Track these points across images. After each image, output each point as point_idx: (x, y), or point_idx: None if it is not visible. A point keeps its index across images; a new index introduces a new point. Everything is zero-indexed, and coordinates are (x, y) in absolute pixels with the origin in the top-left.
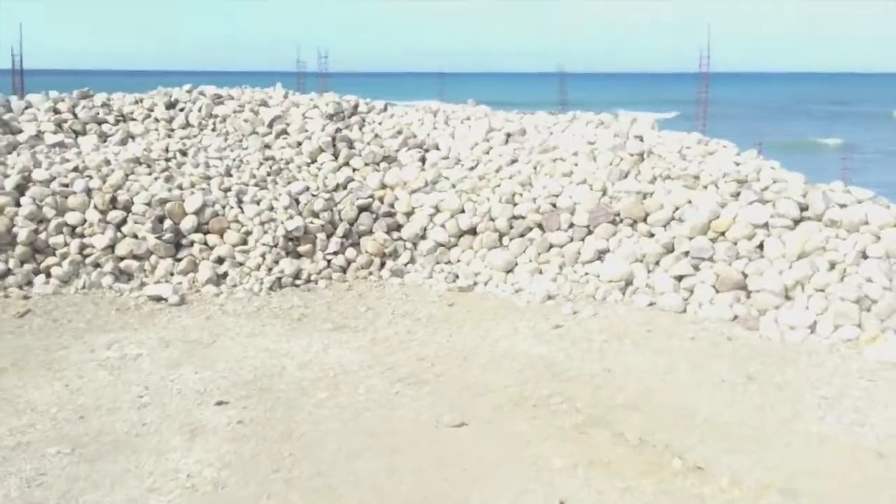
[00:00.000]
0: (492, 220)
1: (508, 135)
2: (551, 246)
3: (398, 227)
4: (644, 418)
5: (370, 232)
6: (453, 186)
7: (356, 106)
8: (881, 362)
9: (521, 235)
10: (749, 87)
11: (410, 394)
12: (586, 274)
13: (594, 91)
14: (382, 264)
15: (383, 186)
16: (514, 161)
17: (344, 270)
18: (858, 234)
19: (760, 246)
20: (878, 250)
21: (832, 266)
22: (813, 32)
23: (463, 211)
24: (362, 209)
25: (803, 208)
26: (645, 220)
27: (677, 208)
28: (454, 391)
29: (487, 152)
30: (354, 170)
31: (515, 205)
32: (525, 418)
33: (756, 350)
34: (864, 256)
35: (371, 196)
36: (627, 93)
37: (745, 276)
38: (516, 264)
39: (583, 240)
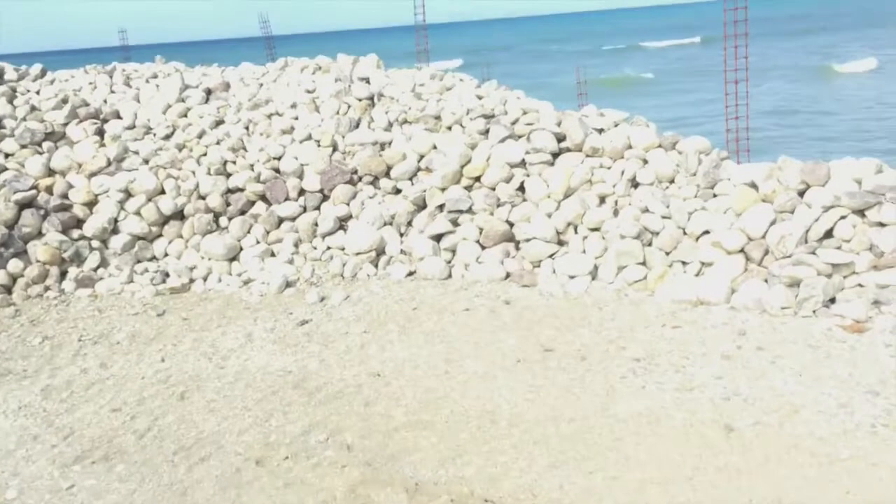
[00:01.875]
0: (202, 198)
1: (209, 91)
2: (281, 220)
3: (78, 224)
4: (438, 442)
5: (39, 234)
6: (146, 162)
7: (1, 73)
8: (676, 301)
9: (242, 213)
10: (465, 35)
11: (92, 483)
12: (328, 249)
13: (305, 50)
14: (63, 274)
15: (50, 173)
16: (219, 122)
17: (8, 290)
18: (624, 161)
19: (522, 188)
20: (648, 175)
21: (602, 200)
22: None
23: (162, 191)
24: (24, 205)
25: (560, 139)
26: (387, 174)
27: (422, 156)
28: (162, 461)
29: (185, 115)
30: (7, 155)
31: (229, 175)
32: (275, 490)
33: (541, 311)
34: (635, 184)
35: (34, 187)
36: (344, 49)
37: (511, 224)
38: (241, 249)
39: (318, 208)
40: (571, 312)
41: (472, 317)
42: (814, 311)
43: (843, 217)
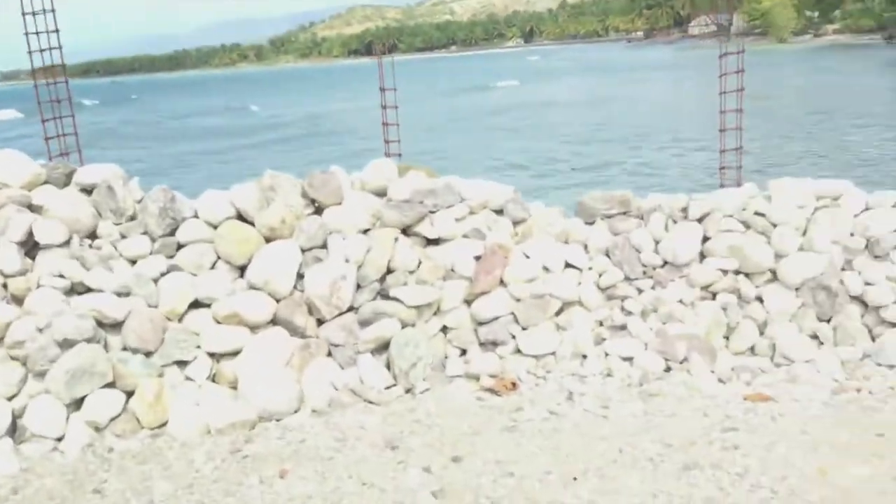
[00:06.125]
0: None
1: None
2: None
3: None
4: None
5: None
6: None
7: None
8: (217, 430)
9: None
10: None
11: None
12: None
13: None
14: None
15: None
16: None
17: None
18: None
19: None
20: (49, 230)
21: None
22: None
23: None
24: None
25: None
26: None
27: None
28: None
29: None
30: None
31: None
32: None
33: None
34: (32, 248)
35: None
36: None
37: None
38: None
39: None
40: None
41: None
42: (424, 380)
43: (396, 239)
